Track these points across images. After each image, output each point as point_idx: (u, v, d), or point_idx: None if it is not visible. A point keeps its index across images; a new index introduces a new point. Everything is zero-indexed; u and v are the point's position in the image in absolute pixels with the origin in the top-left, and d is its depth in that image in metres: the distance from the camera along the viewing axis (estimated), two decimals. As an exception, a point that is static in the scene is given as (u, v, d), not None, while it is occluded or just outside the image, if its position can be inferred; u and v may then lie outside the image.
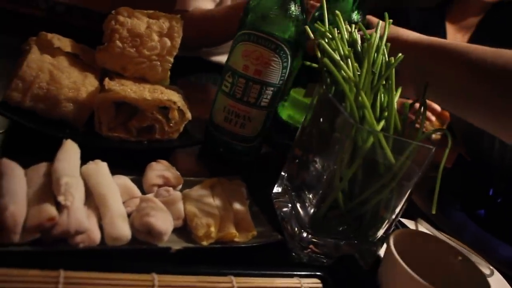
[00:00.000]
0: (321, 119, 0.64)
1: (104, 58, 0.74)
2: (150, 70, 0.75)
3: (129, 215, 0.53)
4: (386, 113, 0.61)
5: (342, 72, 0.58)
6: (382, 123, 0.59)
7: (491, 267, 0.74)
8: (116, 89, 0.70)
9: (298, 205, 0.64)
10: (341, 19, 0.66)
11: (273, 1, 0.73)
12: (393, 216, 0.62)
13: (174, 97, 0.73)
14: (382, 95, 0.62)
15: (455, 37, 1.89)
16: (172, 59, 0.76)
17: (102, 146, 0.70)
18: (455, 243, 0.80)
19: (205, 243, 0.54)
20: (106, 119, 0.70)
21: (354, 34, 0.65)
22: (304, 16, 0.75)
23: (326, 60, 0.58)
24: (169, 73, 0.81)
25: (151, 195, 0.57)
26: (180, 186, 0.63)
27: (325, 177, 0.60)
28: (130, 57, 0.73)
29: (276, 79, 0.75)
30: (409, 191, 0.61)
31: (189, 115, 0.74)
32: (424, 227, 0.81)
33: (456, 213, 1.00)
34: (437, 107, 1.49)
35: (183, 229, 0.56)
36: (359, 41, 0.65)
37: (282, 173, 0.72)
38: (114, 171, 0.58)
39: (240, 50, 0.75)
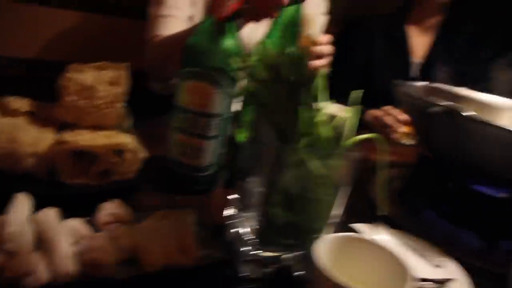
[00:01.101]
0: (254, 138, 0.69)
1: (60, 112, 0.80)
2: (104, 118, 0.81)
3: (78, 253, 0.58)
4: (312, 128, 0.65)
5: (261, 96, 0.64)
6: (307, 139, 0.64)
7: (443, 259, 0.78)
8: (72, 139, 0.76)
9: (243, 224, 0.69)
10: (266, 45, 0.71)
11: (206, 37, 0.79)
12: (332, 222, 0.67)
13: (126, 139, 0.79)
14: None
15: (417, 39, 1.95)
16: (123, 105, 0.82)
17: (64, 193, 0.75)
18: (413, 241, 0.83)
19: (151, 270, 0.59)
20: (66, 168, 0.76)
21: (280, 58, 0.70)
22: (239, 45, 0.80)
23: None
24: (126, 117, 0.88)
25: (100, 233, 0.62)
26: (131, 221, 0.68)
27: (260, 193, 0.64)
28: (83, 109, 0.79)
29: (222, 109, 0.81)
30: (344, 197, 0.65)
31: (142, 155, 0.80)
32: (381, 229, 0.85)
33: (424, 211, 1.03)
34: (404, 117, 1.55)
35: (132, 261, 0.61)
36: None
37: (233, 196, 0.76)
38: (74, 214, 0.65)
39: (184, 87, 0.81)
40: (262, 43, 0.72)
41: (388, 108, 1.64)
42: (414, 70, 1.97)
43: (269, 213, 0.65)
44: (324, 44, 1.26)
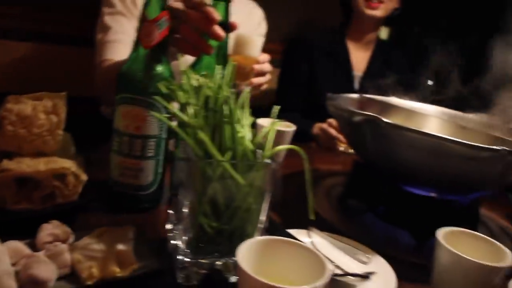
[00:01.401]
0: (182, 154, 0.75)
1: (1, 141, 0.84)
2: (44, 145, 0.85)
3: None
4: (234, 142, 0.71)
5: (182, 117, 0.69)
6: (230, 153, 0.70)
7: (368, 256, 0.84)
8: (14, 167, 0.80)
9: (180, 235, 0.74)
10: (188, 71, 0.77)
11: (139, 64, 0.85)
12: (259, 227, 0.72)
13: (66, 164, 0.83)
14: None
15: (358, 54, 2.05)
16: (61, 132, 0.86)
17: (10, 219, 0.79)
18: (344, 242, 0.90)
19: (89, 282, 0.64)
20: (9, 195, 0.80)
21: (200, 81, 0.76)
22: (170, 71, 0.86)
23: (156, 114, 0.69)
24: (69, 143, 0.92)
25: (40, 252, 0.67)
26: (71, 240, 0.72)
27: (190, 206, 0.70)
28: (23, 137, 0.84)
29: (156, 131, 0.86)
30: (267, 204, 0.71)
31: (84, 177, 0.84)
32: (316, 234, 0.91)
33: (364, 214, 1.10)
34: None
35: (71, 275, 0.66)
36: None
37: (169, 211, 0.82)
38: (19, 238, 0.69)
39: (120, 112, 0.86)
40: (188, 67, 0.77)
41: (332, 120, 1.72)
42: (356, 83, 2.08)
43: (200, 223, 0.70)
44: (264, 63, 1.34)
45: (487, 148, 0.86)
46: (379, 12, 1.93)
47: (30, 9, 1.80)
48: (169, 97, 0.76)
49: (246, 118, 0.75)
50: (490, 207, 1.30)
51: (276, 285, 0.56)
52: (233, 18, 1.63)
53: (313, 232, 0.91)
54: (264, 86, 1.43)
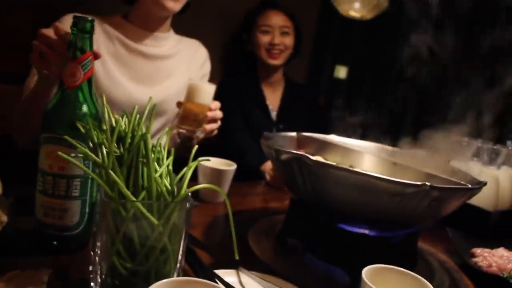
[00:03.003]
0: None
1: None
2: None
3: None
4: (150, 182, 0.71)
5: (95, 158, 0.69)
6: (143, 193, 0.70)
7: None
8: None
9: (95, 277, 0.73)
10: (109, 111, 0.77)
11: (63, 104, 0.85)
12: (177, 267, 0.72)
13: (-15, 205, 0.82)
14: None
15: (270, 92, 2.37)
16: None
17: None
18: (273, 282, 0.89)
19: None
20: None
21: (119, 121, 0.76)
22: (96, 110, 0.86)
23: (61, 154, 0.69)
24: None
25: None
26: (-19, 284, 0.70)
27: (105, 247, 0.69)
28: None
29: (81, 171, 0.85)
30: (181, 244, 0.71)
31: (3, 218, 0.83)
32: (244, 274, 0.90)
33: (304, 253, 1.10)
34: None
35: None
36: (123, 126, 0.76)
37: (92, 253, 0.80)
38: None
39: (44, 151, 0.85)
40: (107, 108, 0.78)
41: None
42: (274, 116, 2.34)
43: (114, 263, 0.69)
44: (216, 110, 1.40)
45: (410, 184, 0.87)
46: (279, 61, 2.26)
47: None
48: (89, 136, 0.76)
49: (164, 157, 0.75)
50: (430, 242, 1.32)
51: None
52: (179, 58, 1.67)
53: (242, 272, 0.91)
54: (215, 132, 1.47)
